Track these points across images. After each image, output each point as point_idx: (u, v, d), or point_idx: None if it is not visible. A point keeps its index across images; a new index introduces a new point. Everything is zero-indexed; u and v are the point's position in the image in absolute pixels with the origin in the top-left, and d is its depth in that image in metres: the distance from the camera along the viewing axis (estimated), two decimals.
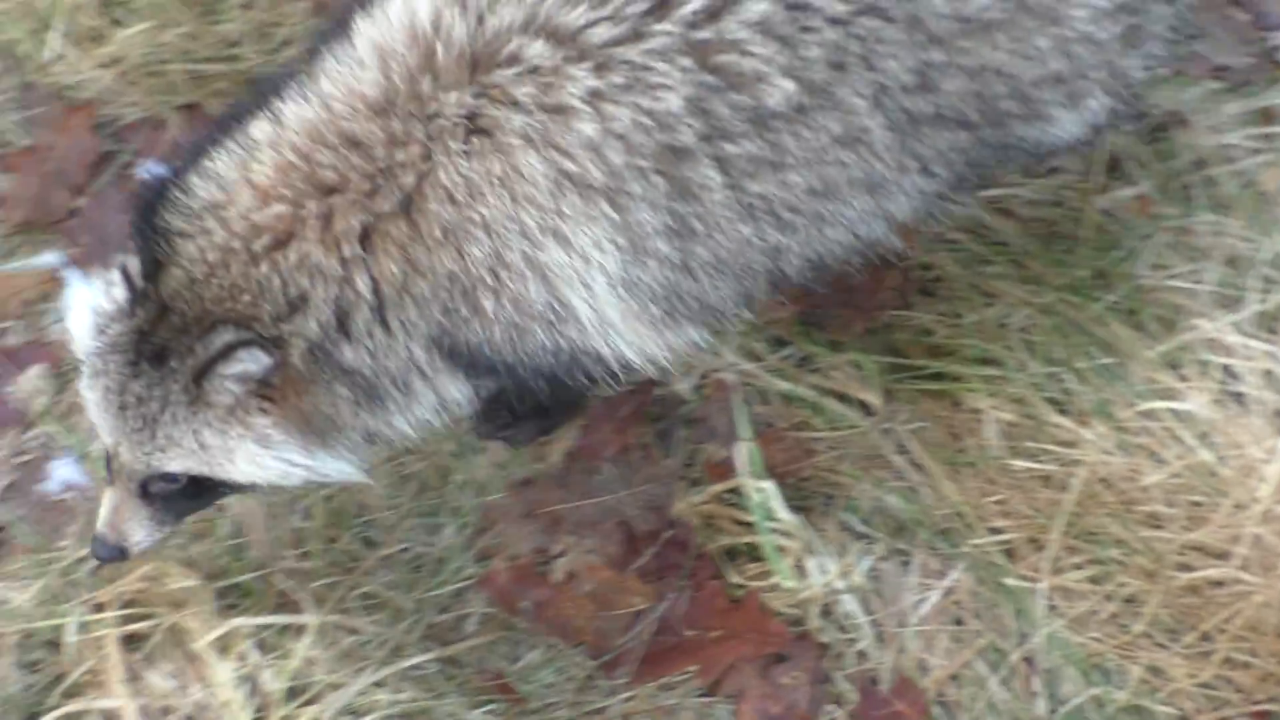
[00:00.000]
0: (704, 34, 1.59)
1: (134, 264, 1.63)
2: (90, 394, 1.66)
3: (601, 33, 1.57)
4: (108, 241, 2.21)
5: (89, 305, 1.69)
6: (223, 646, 1.82)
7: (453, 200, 1.59)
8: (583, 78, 1.56)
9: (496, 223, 1.60)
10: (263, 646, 1.84)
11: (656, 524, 2.02)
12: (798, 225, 1.75)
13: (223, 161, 1.61)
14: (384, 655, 1.87)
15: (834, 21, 1.63)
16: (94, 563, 1.89)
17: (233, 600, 1.92)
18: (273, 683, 1.81)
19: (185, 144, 1.77)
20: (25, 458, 2.14)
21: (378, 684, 1.82)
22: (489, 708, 1.87)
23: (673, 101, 1.58)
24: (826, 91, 1.65)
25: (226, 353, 1.56)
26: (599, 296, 1.69)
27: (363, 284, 1.60)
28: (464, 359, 1.71)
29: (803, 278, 1.88)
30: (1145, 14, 1.87)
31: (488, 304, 1.65)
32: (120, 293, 1.63)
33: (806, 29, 1.62)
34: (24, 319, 2.25)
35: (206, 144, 1.65)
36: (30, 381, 2.18)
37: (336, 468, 1.72)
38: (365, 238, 1.59)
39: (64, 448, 2.15)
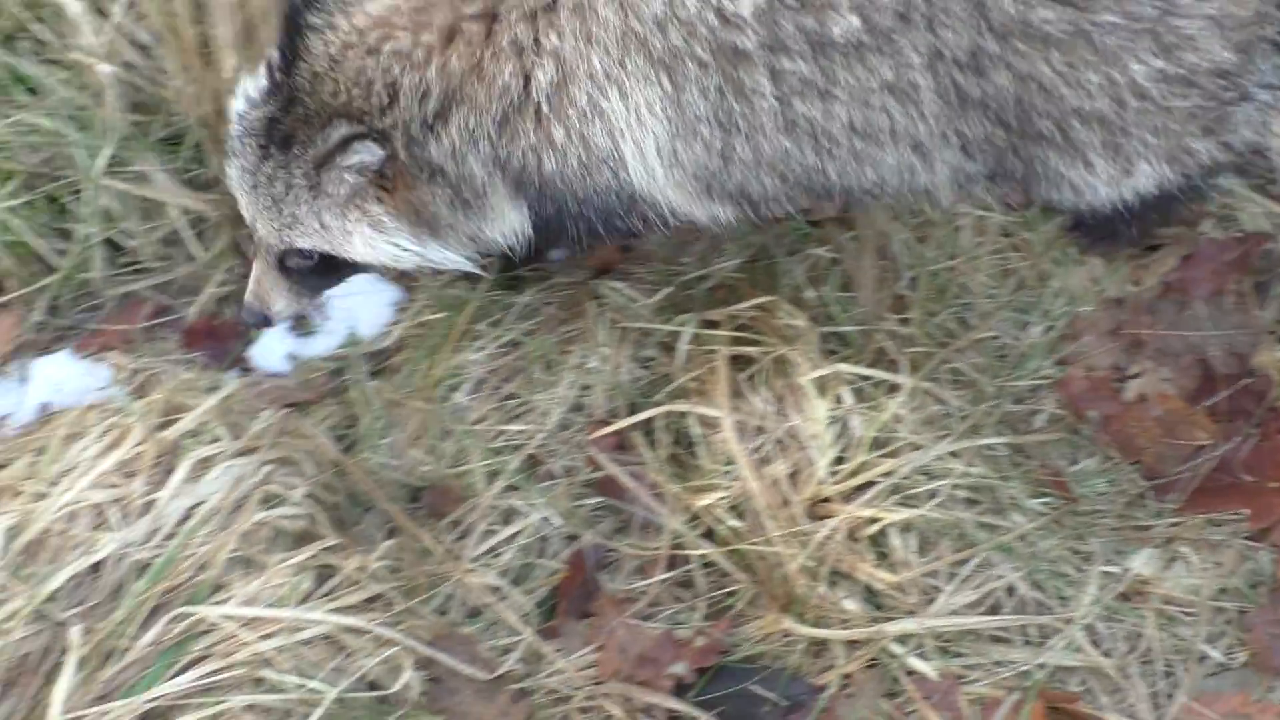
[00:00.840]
0: None
1: (275, 56, 1.77)
2: (231, 172, 1.84)
3: None
4: None
5: (244, 92, 1.84)
6: (822, 386, 2.01)
7: (530, 18, 1.70)
8: None
9: (566, 56, 1.71)
10: (858, 395, 2.02)
11: (1236, 369, 2.09)
12: (835, 154, 1.82)
13: None
14: (963, 430, 2.03)
15: None
16: (711, 283, 2.13)
17: (834, 347, 2.11)
18: (861, 429, 2.00)
19: None
20: None
21: (954, 454, 1.99)
22: (1044, 500, 2.01)
23: (744, 5, 1.67)
24: (888, 37, 1.70)
25: (344, 145, 1.73)
26: (648, 156, 1.81)
27: (434, 76, 1.70)
28: (533, 188, 1.85)
29: (847, 198, 1.97)
30: (1221, 103, 1.82)
31: (558, 134, 1.77)
32: (262, 82, 1.78)
33: None
34: None
35: None
36: None
37: (445, 256, 1.90)
38: (447, 35, 1.70)
39: None
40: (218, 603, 1.77)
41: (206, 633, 1.75)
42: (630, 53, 1.72)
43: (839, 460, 1.94)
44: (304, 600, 1.79)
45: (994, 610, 1.89)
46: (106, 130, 2.21)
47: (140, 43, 2.31)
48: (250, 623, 1.74)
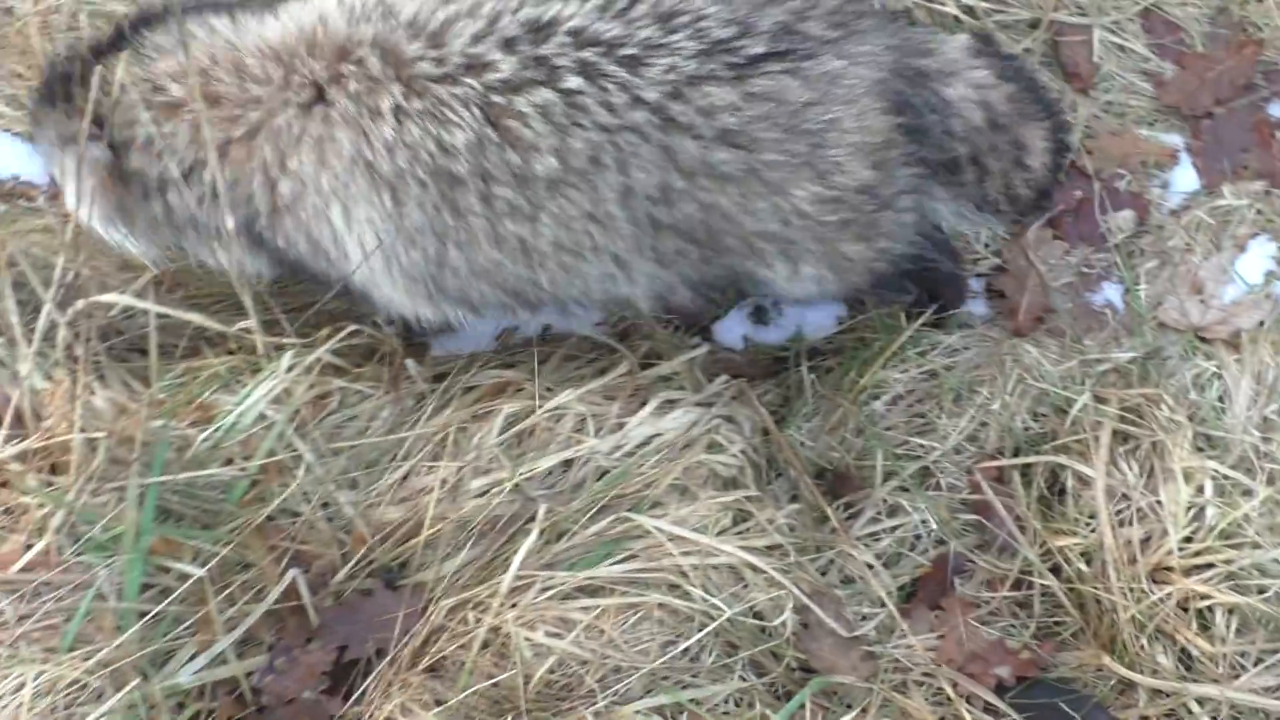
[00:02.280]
0: (499, 99, 1.90)
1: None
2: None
3: (425, 68, 1.92)
4: (1220, 149, 2.75)
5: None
6: (1188, 474, 2.26)
7: (277, 143, 1.99)
8: (397, 94, 1.92)
9: (304, 174, 2.00)
10: (1219, 490, 2.25)
11: None
12: (545, 266, 2.06)
13: (166, 37, 2.04)
14: None
15: (601, 128, 1.91)
16: (1106, 367, 2.47)
17: (1203, 445, 2.37)
18: (1214, 519, 2.22)
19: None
20: (1088, 270, 2.73)
21: None
22: None
23: (459, 138, 1.92)
24: (584, 176, 1.94)
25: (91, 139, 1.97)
26: (363, 258, 2.06)
27: (219, 178, 1.96)
28: (271, 251, 2.14)
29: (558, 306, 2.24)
30: (865, 215, 2.11)
31: (289, 224, 2.07)
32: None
33: (578, 124, 1.91)
34: (1136, 175, 2.78)
35: (171, 15, 2.01)
36: (1118, 219, 2.74)
37: (129, 243, 2.22)
38: (222, 151, 1.99)
39: (1117, 277, 2.72)
40: (654, 516, 2.07)
41: (639, 537, 2.05)
42: (356, 176, 1.98)
43: (1188, 539, 2.19)
44: (720, 533, 2.09)
45: None
46: None
47: None
48: (675, 539, 2.03)
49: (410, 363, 2.30)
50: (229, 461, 2.01)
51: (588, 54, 1.89)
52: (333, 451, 2.14)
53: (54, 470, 1.94)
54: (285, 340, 2.07)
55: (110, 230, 2.16)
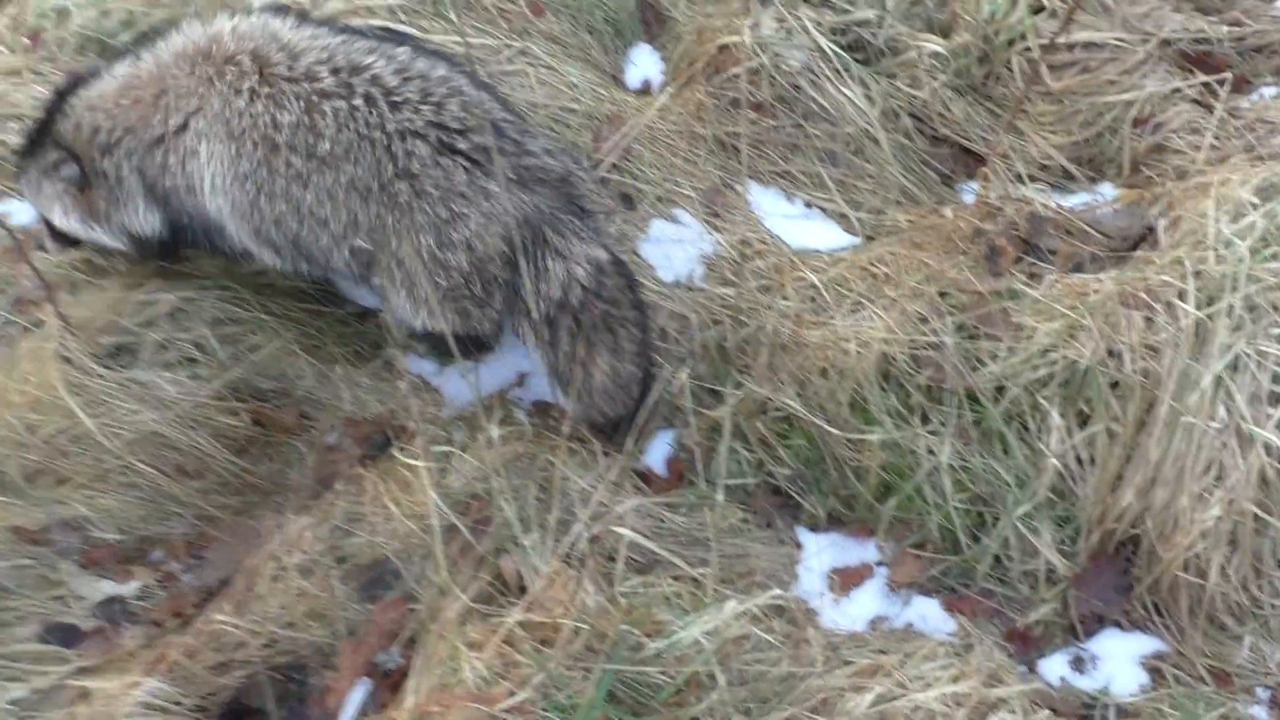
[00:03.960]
0: (316, 99, 2.77)
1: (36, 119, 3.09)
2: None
3: (279, 70, 2.77)
4: None
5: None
6: None
7: (175, 102, 2.90)
8: (254, 81, 2.78)
9: (187, 120, 2.88)
10: None
11: None
12: (304, 225, 2.87)
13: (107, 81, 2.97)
14: None
15: (357, 134, 2.79)
16: None
17: None
18: None
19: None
20: None
21: None
22: None
23: (285, 118, 2.76)
24: (336, 162, 2.78)
25: (56, 164, 2.98)
26: (213, 191, 2.89)
27: (114, 121, 2.96)
28: (162, 199, 2.97)
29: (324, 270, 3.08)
30: (458, 291, 2.93)
31: (172, 158, 2.91)
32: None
33: (347, 127, 2.78)
34: None
35: (101, 68, 3.00)
36: None
37: (101, 237, 3.17)
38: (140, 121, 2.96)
39: None
40: None
41: None
42: (216, 126, 2.80)
43: None
44: None
45: None
46: None
47: None
48: None
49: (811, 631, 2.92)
50: (664, 669, 2.68)
51: (373, 90, 2.70)
52: (741, 681, 2.77)
53: (543, 641, 2.65)
54: (728, 592, 2.73)
55: (89, 231, 3.04)
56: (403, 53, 2.76)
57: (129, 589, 2.92)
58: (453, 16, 3.61)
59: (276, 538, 2.87)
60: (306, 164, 2.71)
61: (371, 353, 3.36)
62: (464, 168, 2.68)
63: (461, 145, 2.68)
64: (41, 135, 2.92)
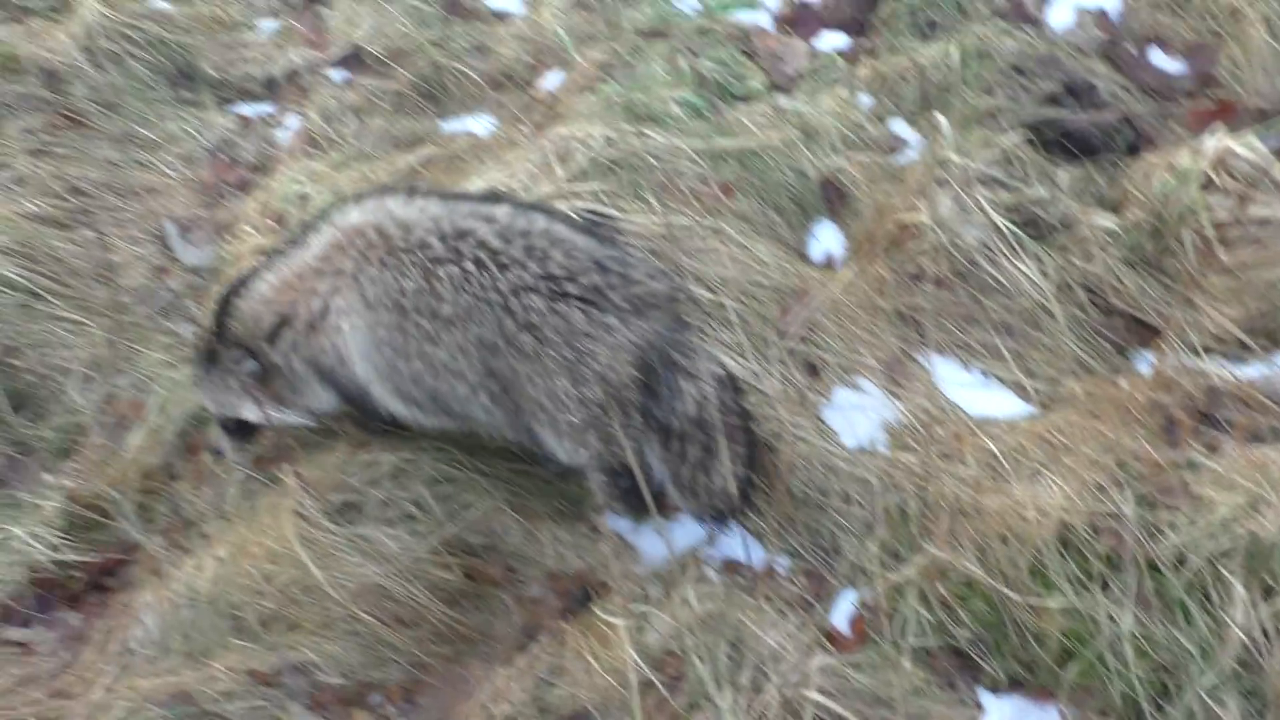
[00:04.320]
0: (435, 267, 3.02)
1: (208, 328, 3.34)
2: (194, 384, 3.44)
3: (398, 243, 3.06)
4: None
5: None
6: None
7: (316, 297, 3.20)
8: (382, 254, 3.07)
9: (330, 301, 3.17)
10: None
11: None
12: (440, 379, 3.11)
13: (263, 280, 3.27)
14: None
15: (474, 295, 3.01)
16: None
17: None
18: None
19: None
20: None
21: None
22: None
23: (408, 284, 3.03)
24: (461, 321, 3.01)
25: (238, 361, 3.23)
26: (360, 361, 3.17)
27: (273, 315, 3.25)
28: (326, 377, 3.25)
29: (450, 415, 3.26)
30: (597, 422, 3.09)
31: (328, 345, 3.20)
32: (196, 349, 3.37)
33: (464, 289, 3.00)
34: None
35: (258, 269, 3.30)
36: None
37: (291, 418, 3.47)
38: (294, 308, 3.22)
39: None
40: None
41: None
42: (354, 299, 3.10)
43: None
44: None
45: None
46: None
47: None
48: None
49: None
50: None
51: (481, 254, 2.92)
52: None
53: None
54: None
55: (283, 416, 3.33)
56: (502, 212, 2.99)
57: None
58: (651, 199, 3.91)
59: (485, 688, 3.09)
60: (433, 324, 2.95)
61: (572, 510, 3.60)
62: (579, 309, 2.87)
63: (572, 290, 2.88)
64: (215, 343, 3.27)
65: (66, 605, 3.46)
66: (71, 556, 3.43)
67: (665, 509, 3.49)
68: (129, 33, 5.01)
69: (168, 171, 4.69)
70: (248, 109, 4.81)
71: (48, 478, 3.44)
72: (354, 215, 3.07)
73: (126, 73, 4.97)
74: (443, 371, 2.98)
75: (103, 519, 3.44)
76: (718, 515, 3.19)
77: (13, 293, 4.10)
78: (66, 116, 4.58)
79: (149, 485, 3.64)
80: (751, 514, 3.34)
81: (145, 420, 3.79)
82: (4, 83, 4.80)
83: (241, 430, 3.37)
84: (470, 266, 2.91)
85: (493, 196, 3.21)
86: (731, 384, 3.10)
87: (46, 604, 3.46)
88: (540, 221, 2.97)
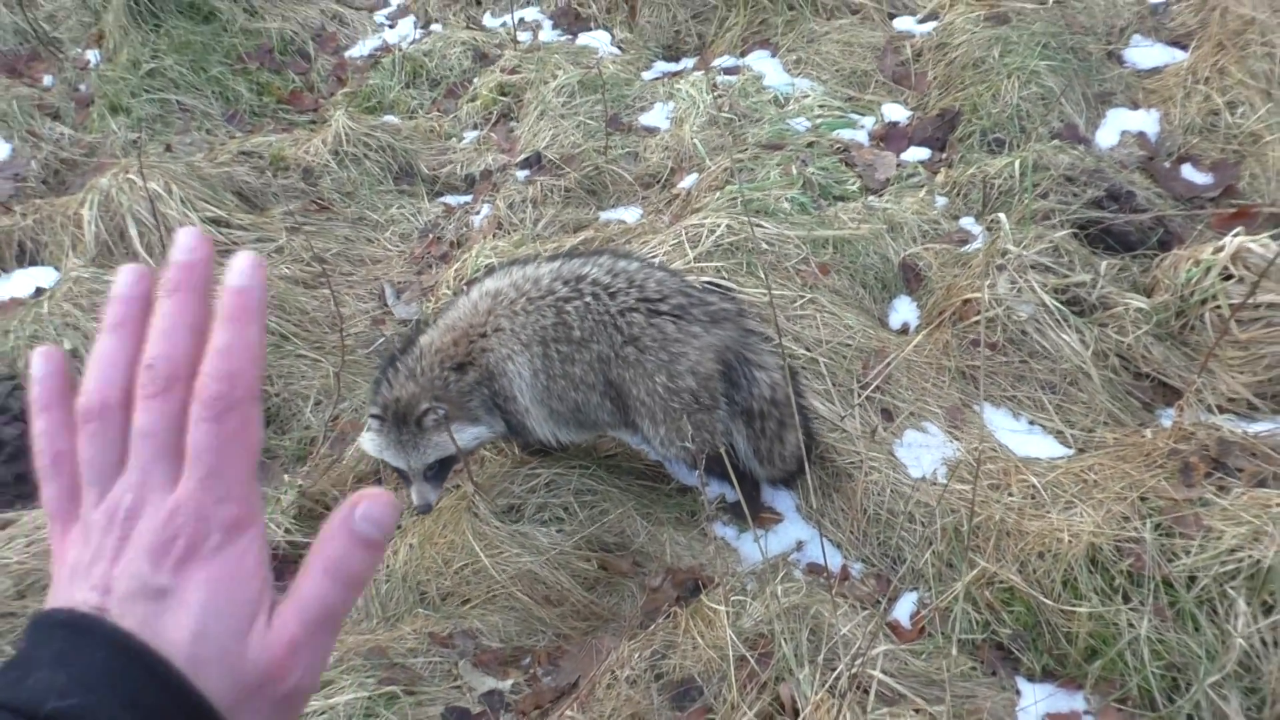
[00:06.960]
0: (564, 304, 3.14)
1: (379, 403, 3.16)
2: (383, 450, 3.19)
3: (531, 294, 3.18)
4: None
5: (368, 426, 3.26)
6: None
7: (480, 347, 3.21)
8: (523, 304, 3.18)
9: (499, 349, 3.17)
10: None
11: None
12: (579, 392, 3.18)
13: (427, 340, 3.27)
14: None
15: (594, 320, 3.15)
16: None
17: None
18: None
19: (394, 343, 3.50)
20: None
21: None
22: None
23: (547, 321, 3.14)
24: (586, 342, 3.14)
25: (426, 412, 3.06)
26: (526, 389, 3.20)
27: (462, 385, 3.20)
28: (498, 409, 3.21)
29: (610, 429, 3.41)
30: (692, 409, 3.19)
31: (498, 385, 3.17)
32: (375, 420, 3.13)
33: (585, 316, 3.14)
34: None
35: (413, 335, 3.32)
36: None
37: (475, 438, 3.24)
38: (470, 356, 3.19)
39: None
40: None
41: None
42: (514, 344, 3.13)
43: None
44: None
45: None
46: None
47: None
48: None
49: None
50: None
51: (596, 288, 3.06)
52: None
53: None
54: None
55: (469, 440, 3.18)
56: (605, 259, 3.16)
57: (506, 685, 3.26)
58: (761, 274, 4.05)
59: (612, 656, 3.20)
60: (569, 347, 3.06)
61: (689, 519, 3.71)
62: (671, 321, 3.03)
63: (664, 308, 3.05)
64: (395, 405, 3.11)
65: (292, 576, 3.65)
66: (300, 539, 3.59)
67: (762, 522, 3.57)
68: (367, 140, 5.34)
69: (388, 246, 4.91)
70: (452, 199, 5.07)
71: (286, 477, 3.63)
72: (489, 284, 3.18)
73: (363, 170, 5.29)
74: (580, 384, 3.10)
75: (325, 510, 3.60)
76: (788, 478, 3.41)
77: (269, 336, 4.38)
78: (317, 203, 4.88)
79: (360, 487, 3.83)
80: (829, 525, 3.39)
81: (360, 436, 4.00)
82: (274, 177, 5.16)
83: (441, 472, 3.21)
84: (589, 299, 3.05)
85: (595, 250, 3.43)
86: (792, 373, 3.23)
87: (280, 574, 3.67)
88: (635, 264, 3.17)
